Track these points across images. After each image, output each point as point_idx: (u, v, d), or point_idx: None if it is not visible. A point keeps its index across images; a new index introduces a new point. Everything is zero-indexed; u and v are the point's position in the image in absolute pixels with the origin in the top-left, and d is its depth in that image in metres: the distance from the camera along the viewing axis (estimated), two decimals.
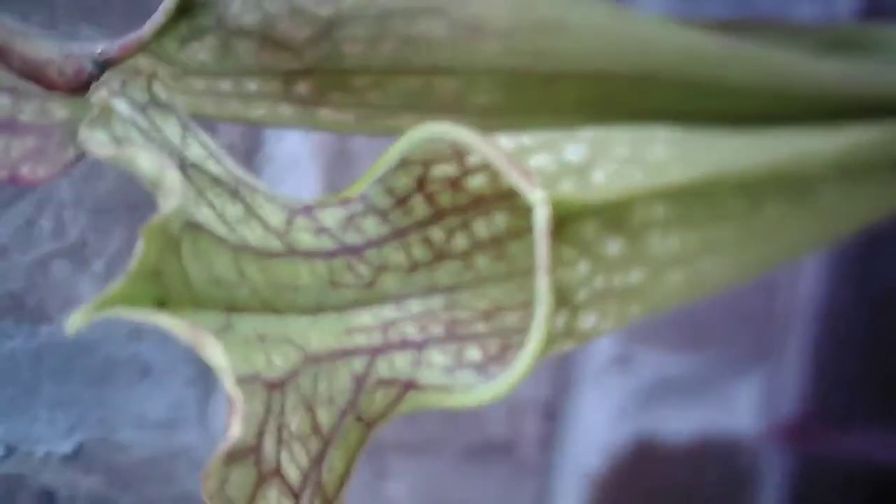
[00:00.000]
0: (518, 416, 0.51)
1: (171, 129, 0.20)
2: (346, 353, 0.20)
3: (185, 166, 0.19)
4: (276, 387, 0.18)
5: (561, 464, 0.53)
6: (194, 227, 0.18)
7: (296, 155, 0.42)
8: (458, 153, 0.22)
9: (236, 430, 0.16)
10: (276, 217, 0.21)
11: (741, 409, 0.61)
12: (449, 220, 0.23)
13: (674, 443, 0.58)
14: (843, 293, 0.60)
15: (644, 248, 0.22)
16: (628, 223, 0.21)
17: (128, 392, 0.39)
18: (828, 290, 0.60)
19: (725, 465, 0.61)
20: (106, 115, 0.18)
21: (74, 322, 0.16)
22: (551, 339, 0.21)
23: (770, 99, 0.28)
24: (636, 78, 0.26)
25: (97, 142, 0.18)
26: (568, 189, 0.20)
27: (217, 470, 0.16)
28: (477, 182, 0.23)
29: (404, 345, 0.22)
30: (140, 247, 0.17)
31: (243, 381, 0.17)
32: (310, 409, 0.19)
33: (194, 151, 0.20)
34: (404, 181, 0.22)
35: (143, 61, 0.21)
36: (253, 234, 0.20)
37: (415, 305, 0.23)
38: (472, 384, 0.21)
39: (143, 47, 0.21)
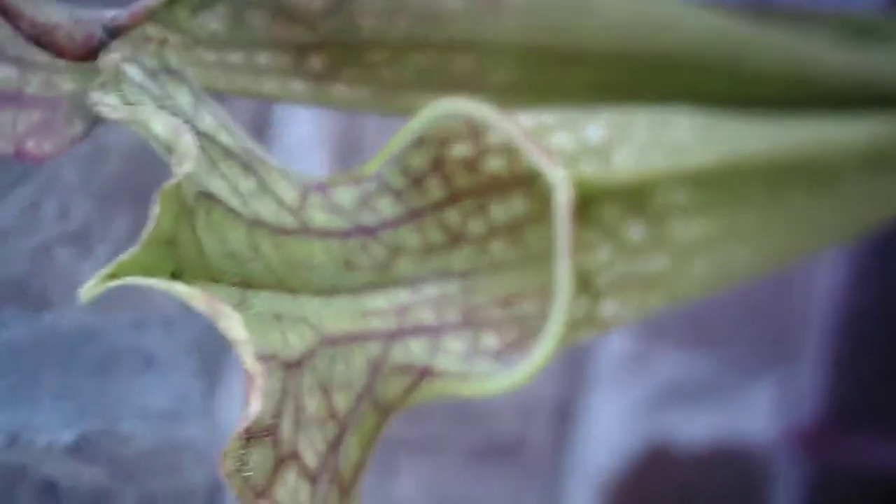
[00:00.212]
0: (529, 415, 0.51)
1: (183, 98, 0.19)
2: (362, 337, 0.20)
3: (197, 136, 0.19)
4: (292, 367, 0.18)
5: (571, 465, 0.53)
6: (208, 198, 0.18)
7: (304, 139, 0.42)
8: (475, 132, 0.22)
9: (256, 406, 0.15)
10: (289, 193, 0.20)
11: (756, 412, 0.61)
12: (465, 203, 0.23)
13: (687, 446, 0.58)
14: (862, 297, 0.60)
15: (666, 233, 0.21)
16: (650, 207, 0.21)
17: (131, 382, 0.39)
18: (846, 293, 0.60)
19: (739, 470, 0.61)
20: (118, 79, 0.18)
21: (88, 291, 0.15)
22: (571, 326, 0.20)
23: (790, 86, 0.28)
24: (657, 60, 0.26)
25: (109, 105, 0.18)
26: (589, 169, 0.20)
27: (235, 449, 0.16)
28: (494, 163, 0.23)
29: (420, 330, 0.22)
30: (154, 212, 0.16)
31: (261, 358, 0.16)
32: (326, 392, 0.18)
33: (206, 122, 0.19)
34: (420, 160, 0.22)
35: (152, 30, 0.21)
36: (267, 209, 0.19)
37: (430, 290, 0.22)
38: (489, 372, 0.21)
39: (153, 14, 0.21)
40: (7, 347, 0.36)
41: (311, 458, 0.18)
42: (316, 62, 0.24)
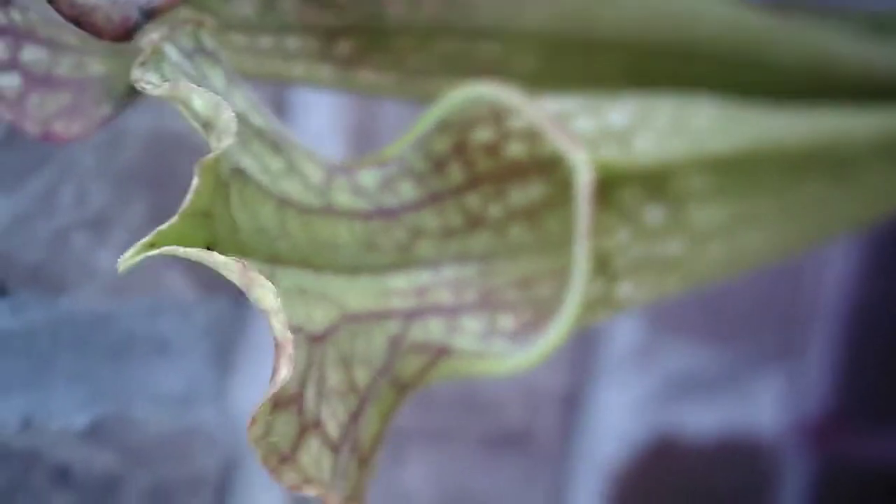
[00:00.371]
0: (537, 405, 0.51)
1: (217, 79, 0.20)
2: (382, 315, 0.21)
3: None
4: (317, 340, 0.18)
5: (579, 455, 0.53)
6: (241, 174, 0.18)
7: (320, 129, 0.42)
8: (497, 117, 0.23)
9: (284, 373, 0.16)
10: (315, 174, 0.21)
11: (764, 405, 0.61)
12: (485, 188, 0.24)
13: (694, 438, 0.58)
14: (870, 292, 0.60)
15: (684, 217, 0.22)
16: (669, 191, 0.22)
17: (145, 368, 0.39)
18: (855, 289, 0.60)
19: (746, 462, 0.61)
20: (158, 57, 0.19)
21: (127, 260, 0.16)
22: (587, 306, 0.21)
23: (811, 78, 0.28)
24: (678, 49, 0.27)
25: (150, 82, 0.18)
26: (610, 154, 0.20)
27: (263, 415, 0.16)
28: (515, 149, 0.23)
29: (438, 310, 0.22)
30: (193, 184, 0.17)
31: (288, 329, 0.17)
32: (347, 366, 0.19)
33: (238, 102, 0.20)
34: (442, 145, 0.23)
35: (185, 13, 0.22)
36: (294, 189, 0.20)
37: (449, 271, 0.23)
38: (505, 351, 0.22)
39: None
40: (23, 331, 0.36)
41: (333, 428, 0.18)
42: (344, 47, 0.24)
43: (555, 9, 0.25)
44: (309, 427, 0.17)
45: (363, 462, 0.19)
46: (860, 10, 0.32)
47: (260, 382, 0.42)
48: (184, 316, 0.40)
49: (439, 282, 0.23)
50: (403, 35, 0.25)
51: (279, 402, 0.17)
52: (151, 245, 0.16)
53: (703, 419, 0.58)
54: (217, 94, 0.19)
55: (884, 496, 0.60)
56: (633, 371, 0.55)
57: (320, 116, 0.42)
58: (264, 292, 0.16)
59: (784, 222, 0.24)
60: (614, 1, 0.26)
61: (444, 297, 0.22)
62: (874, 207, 0.27)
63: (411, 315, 0.21)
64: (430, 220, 0.23)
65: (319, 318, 0.19)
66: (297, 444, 0.17)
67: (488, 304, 0.23)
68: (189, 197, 0.17)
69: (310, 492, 0.17)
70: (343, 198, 0.21)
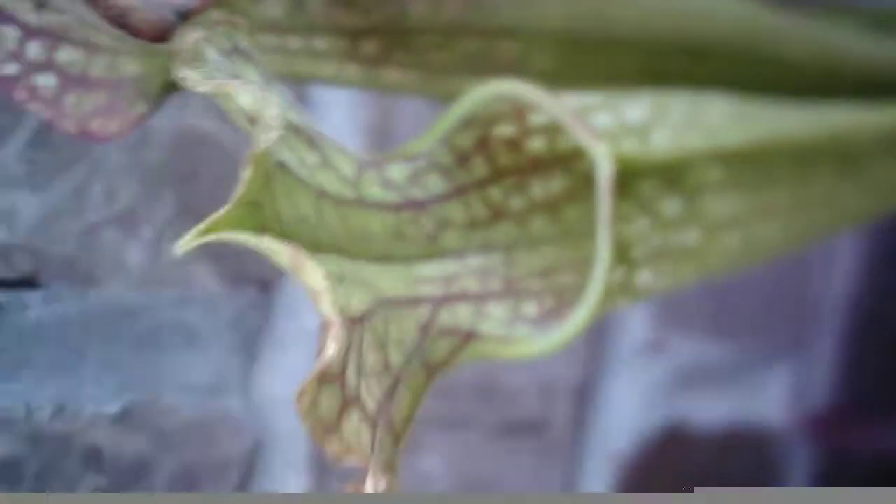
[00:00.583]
0: (551, 396, 0.51)
1: (252, 77, 0.20)
2: (413, 301, 0.21)
3: None
4: (355, 323, 0.19)
5: (591, 444, 0.53)
6: (283, 167, 0.19)
7: (338, 129, 0.43)
8: (519, 113, 0.23)
9: (332, 349, 0.16)
10: (347, 168, 0.21)
11: (772, 398, 0.61)
12: (507, 181, 0.24)
13: (703, 429, 0.58)
14: (879, 289, 0.60)
15: (700, 208, 0.22)
16: (685, 183, 0.22)
17: (174, 357, 0.39)
18: (862, 285, 0.60)
19: (753, 455, 0.61)
20: (199, 56, 0.19)
21: (185, 244, 0.16)
22: (608, 293, 0.21)
23: (822, 75, 0.29)
24: (692, 47, 0.27)
25: (194, 79, 0.18)
26: (629, 147, 0.21)
27: (311, 388, 0.17)
28: (536, 144, 0.24)
29: (465, 297, 0.23)
30: (245, 175, 0.17)
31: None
32: (383, 348, 0.19)
33: (275, 100, 0.20)
34: (466, 139, 0.23)
35: (217, 14, 0.22)
36: (329, 182, 0.20)
37: (475, 261, 0.23)
38: (529, 336, 0.22)
39: (219, 0, 0.22)
40: (56, 321, 0.37)
41: (370, 405, 0.19)
42: (369, 47, 0.25)
43: (572, 8, 0.26)
44: (350, 402, 0.18)
45: (396, 438, 0.20)
46: (864, 7, 0.32)
47: (283, 372, 0.42)
48: (211, 308, 0.40)
49: (465, 271, 0.23)
50: (426, 34, 0.25)
51: (325, 378, 0.17)
52: (207, 231, 0.17)
53: (712, 412, 0.59)
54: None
55: (883, 486, 0.61)
56: (644, 364, 0.55)
57: (338, 116, 0.43)
58: (314, 275, 0.17)
59: (795, 214, 0.24)
60: (631, 0, 0.26)
61: (471, 285, 0.23)
62: (881, 201, 0.27)
63: (440, 302, 0.22)
64: (455, 211, 0.23)
65: (356, 303, 0.19)
66: (340, 417, 0.18)
67: (512, 291, 0.23)
68: (241, 187, 0.17)
69: (352, 461, 0.18)
70: (373, 190, 0.22)
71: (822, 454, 0.62)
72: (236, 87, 0.18)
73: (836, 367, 0.61)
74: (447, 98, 0.26)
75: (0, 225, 0.35)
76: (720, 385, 0.59)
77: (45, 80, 0.24)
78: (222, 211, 0.17)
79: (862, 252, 0.60)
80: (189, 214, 0.39)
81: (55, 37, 0.24)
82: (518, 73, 0.26)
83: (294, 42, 0.24)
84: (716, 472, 0.59)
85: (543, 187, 0.25)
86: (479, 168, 0.24)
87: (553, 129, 0.24)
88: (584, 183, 0.24)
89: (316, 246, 0.19)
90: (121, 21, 0.21)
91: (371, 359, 0.19)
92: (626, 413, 0.55)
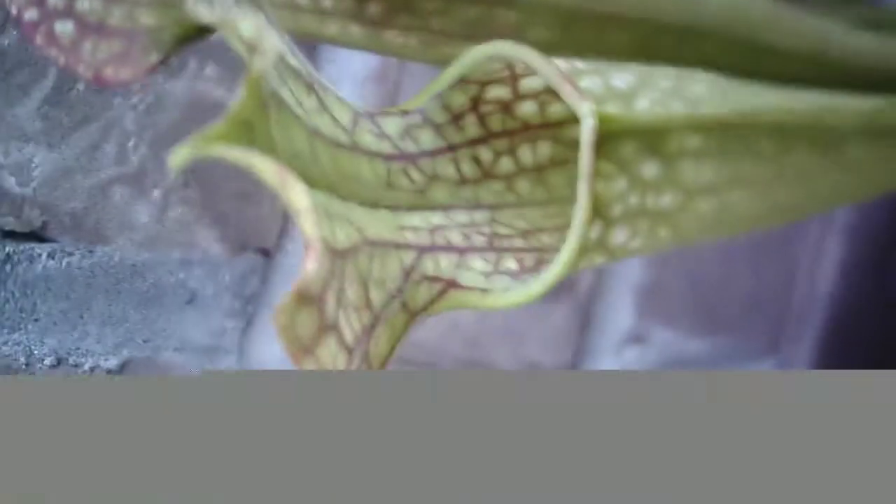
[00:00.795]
0: None
1: (260, 21, 0.21)
2: (398, 245, 0.21)
3: None
4: (339, 255, 0.19)
5: None
6: (279, 101, 0.19)
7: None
8: (513, 77, 0.23)
9: (311, 267, 0.16)
10: (344, 115, 0.22)
11: None
12: (497, 143, 0.24)
13: None
14: (859, 296, 0.61)
15: (677, 173, 0.23)
16: (665, 149, 0.22)
17: (173, 317, 0.40)
18: (844, 291, 0.60)
19: None
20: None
21: (178, 157, 0.17)
22: (585, 248, 0.21)
23: (808, 63, 0.29)
24: (684, 29, 0.27)
25: (203, 10, 0.19)
26: (613, 109, 0.21)
27: (289, 306, 0.17)
28: (527, 108, 0.24)
29: (449, 248, 0.23)
30: (239, 95, 0.17)
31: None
32: (364, 284, 0.20)
33: (277, 43, 0.20)
34: (460, 99, 0.24)
35: None
36: (324, 125, 0.21)
37: (460, 216, 0.24)
38: (507, 287, 0.22)
39: None
40: (62, 274, 0.37)
41: (348, 335, 0.19)
42: (373, 8, 0.25)
43: None
44: (328, 328, 0.18)
45: None
46: (857, 6, 0.32)
47: (277, 339, 0.43)
48: (212, 271, 0.40)
49: (451, 224, 0.23)
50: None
51: (303, 298, 0.17)
52: (201, 145, 0.17)
53: None
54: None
55: None
56: (628, 354, 0.55)
57: (345, 93, 0.43)
58: (298, 193, 0.17)
59: (771, 188, 0.25)
60: None
61: (455, 238, 0.23)
62: (860, 185, 0.28)
63: (424, 249, 0.22)
64: (445, 167, 0.24)
65: (342, 237, 0.19)
66: (317, 339, 0.18)
67: (494, 248, 0.23)
68: (234, 105, 0.18)
69: None
70: (367, 139, 0.22)
71: None
72: (237, 17, 0.18)
73: (811, 366, 0.61)
74: (446, 64, 0.26)
75: (13, 178, 0.36)
76: None
77: (64, 27, 0.25)
78: (214, 126, 0.17)
79: (843, 255, 0.60)
80: (197, 180, 0.40)
81: None
82: (515, 42, 0.26)
83: None
84: None
85: (531, 152, 0.25)
86: (471, 128, 0.24)
87: (544, 95, 0.24)
88: (570, 150, 0.25)
89: (307, 181, 0.19)
90: None
91: (352, 293, 0.19)
92: None
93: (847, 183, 0.27)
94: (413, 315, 0.21)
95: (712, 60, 0.28)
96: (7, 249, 0.36)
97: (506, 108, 0.24)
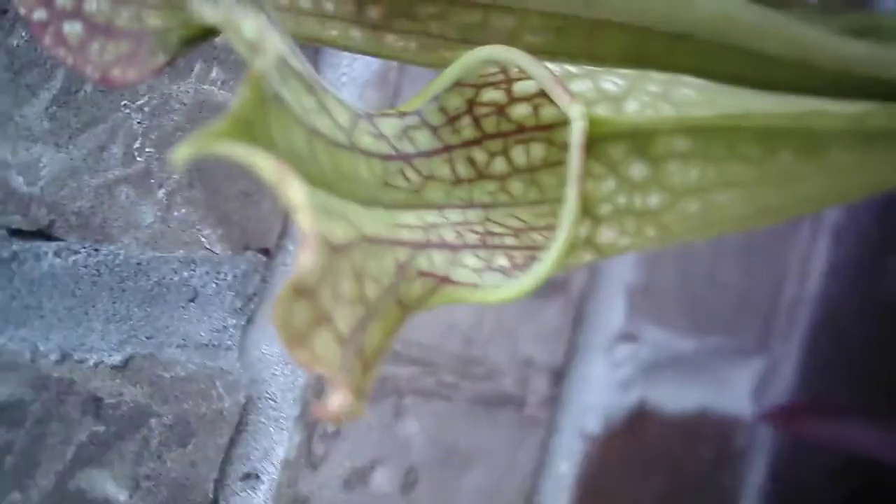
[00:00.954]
0: (530, 374, 0.52)
1: (261, 22, 0.21)
2: (393, 242, 0.22)
3: None
4: (335, 249, 0.19)
5: (564, 422, 0.54)
6: (279, 100, 0.19)
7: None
8: (507, 80, 0.24)
9: (307, 260, 0.17)
10: (342, 116, 0.22)
11: (737, 392, 0.61)
12: (492, 144, 0.25)
13: (670, 415, 0.58)
14: (848, 296, 0.61)
15: (665, 175, 0.23)
16: (653, 150, 0.23)
17: (175, 314, 0.40)
18: (833, 291, 0.61)
19: (716, 442, 0.61)
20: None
21: (180, 155, 0.17)
22: (573, 245, 0.22)
23: (796, 70, 0.29)
24: (674, 36, 0.27)
25: (207, 11, 0.19)
26: (603, 112, 0.21)
27: (286, 298, 0.17)
28: (521, 111, 0.25)
29: (442, 245, 0.23)
30: (240, 94, 0.18)
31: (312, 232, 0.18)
32: (359, 279, 0.20)
33: (279, 44, 0.21)
34: (456, 101, 0.24)
35: None
36: (324, 125, 0.21)
37: (454, 215, 0.24)
38: (498, 283, 0.22)
39: None
40: (68, 272, 0.37)
41: (343, 328, 0.19)
42: (374, 12, 0.25)
43: None
44: (322, 319, 0.18)
45: (366, 366, 0.20)
46: (845, 13, 0.32)
47: (277, 336, 0.43)
48: (214, 270, 0.41)
49: (445, 223, 0.24)
50: (427, 4, 0.26)
51: (299, 290, 0.17)
52: (199, 142, 0.17)
53: (680, 400, 0.59)
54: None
55: (842, 482, 0.61)
56: (620, 352, 0.55)
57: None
58: (295, 189, 0.17)
59: (756, 190, 0.25)
60: None
61: (448, 235, 0.23)
62: (844, 186, 0.28)
63: (418, 246, 0.22)
64: (440, 167, 0.24)
65: (339, 233, 0.19)
66: (312, 330, 0.18)
67: (487, 245, 0.24)
68: (236, 103, 0.18)
69: (320, 370, 0.18)
70: (365, 139, 0.22)
71: (779, 443, 0.62)
72: (240, 17, 0.18)
73: (799, 364, 0.61)
74: (444, 67, 0.26)
75: (21, 177, 0.36)
76: (689, 376, 0.59)
77: (72, 28, 0.25)
78: (213, 126, 0.17)
79: (832, 255, 0.61)
80: (201, 181, 0.40)
81: None
82: (510, 46, 0.26)
83: (304, 2, 0.25)
84: (680, 457, 0.60)
85: (525, 153, 0.25)
86: (467, 130, 0.24)
87: (538, 98, 0.24)
88: (564, 153, 0.25)
89: (306, 180, 0.19)
90: None
91: (347, 286, 0.19)
92: (600, 395, 0.55)
93: (832, 185, 0.27)
94: (407, 309, 0.22)
95: (701, 66, 0.28)
96: (14, 247, 0.36)
97: (500, 110, 0.24)
